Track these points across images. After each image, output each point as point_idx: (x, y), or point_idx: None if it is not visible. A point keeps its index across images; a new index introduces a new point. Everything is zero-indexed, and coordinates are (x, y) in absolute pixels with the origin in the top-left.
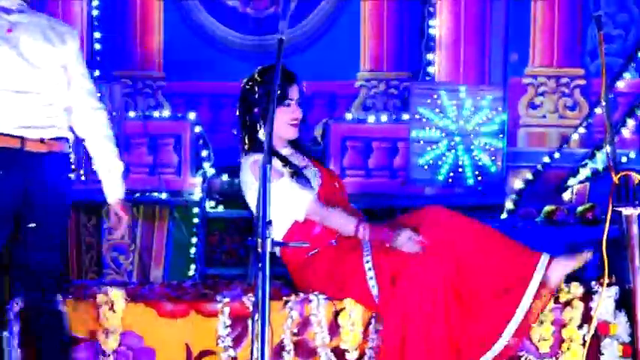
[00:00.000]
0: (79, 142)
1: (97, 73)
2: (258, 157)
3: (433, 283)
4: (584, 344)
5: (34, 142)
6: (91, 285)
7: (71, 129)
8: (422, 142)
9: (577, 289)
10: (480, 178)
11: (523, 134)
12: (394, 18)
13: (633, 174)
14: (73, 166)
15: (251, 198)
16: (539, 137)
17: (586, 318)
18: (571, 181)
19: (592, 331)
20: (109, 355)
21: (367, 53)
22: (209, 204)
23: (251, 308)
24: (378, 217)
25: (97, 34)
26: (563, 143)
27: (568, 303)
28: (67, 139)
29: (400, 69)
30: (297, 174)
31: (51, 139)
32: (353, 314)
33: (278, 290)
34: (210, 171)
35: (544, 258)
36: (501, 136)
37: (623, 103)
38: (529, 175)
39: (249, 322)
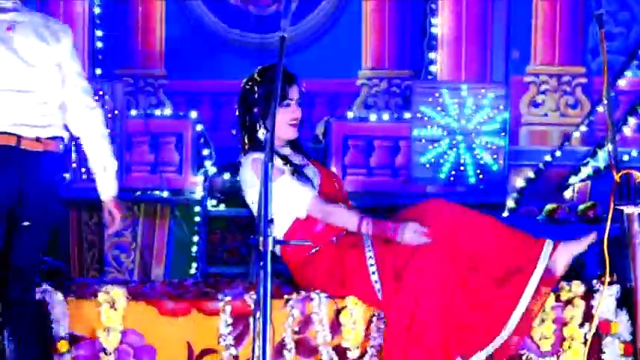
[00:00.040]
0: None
1: (98, 71)
2: (259, 155)
3: (439, 275)
4: (585, 343)
5: (30, 140)
6: (93, 283)
7: (66, 127)
8: (423, 140)
9: (578, 287)
10: (481, 176)
11: (525, 132)
12: (396, 16)
13: (635, 172)
14: (74, 164)
15: (251, 197)
16: (541, 135)
17: (587, 316)
18: (572, 180)
19: (593, 330)
20: (110, 354)
21: (369, 51)
22: (210, 202)
23: (252, 306)
24: (380, 215)
25: (98, 33)
26: (565, 141)
27: (569, 301)
28: (62, 139)
29: (402, 67)
30: (298, 172)
31: (47, 138)
32: (354, 312)
33: (279, 288)
34: (212, 169)
35: (549, 242)
36: (503, 134)
37: (625, 101)
38: (530, 174)
39: (251, 320)
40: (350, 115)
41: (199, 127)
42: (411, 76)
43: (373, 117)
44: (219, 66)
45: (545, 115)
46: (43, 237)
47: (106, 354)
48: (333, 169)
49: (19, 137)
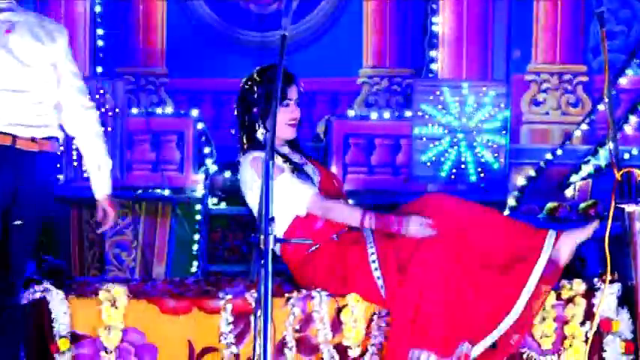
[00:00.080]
0: None
1: (99, 69)
2: (258, 154)
3: (444, 267)
4: (586, 341)
5: (25, 140)
6: (94, 282)
7: (61, 127)
8: (424, 138)
9: (579, 285)
10: (482, 174)
11: (526, 131)
12: (397, 15)
13: (636, 170)
14: (75, 162)
15: (251, 197)
16: (542, 134)
17: (588, 315)
18: (573, 178)
19: (594, 328)
20: (110, 352)
21: (370, 50)
22: (211, 201)
23: (253, 305)
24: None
25: (99, 31)
26: (566, 140)
27: (570, 300)
28: (57, 139)
29: (403, 66)
30: (298, 170)
31: (42, 138)
32: (355, 311)
33: (280, 287)
34: (213, 168)
35: (552, 232)
36: (504, 132)
37: (626, 99)
38: (531, 172)
39: (252, 318)
40: (351, 113)
41: (200, 126)
42: (412, 75)
43: (374, 115)
44: (220, 64)
45: (547, 113)
46: (33, 237)
47: (107, 352)
48: (334, 167)
49: (14, 137)
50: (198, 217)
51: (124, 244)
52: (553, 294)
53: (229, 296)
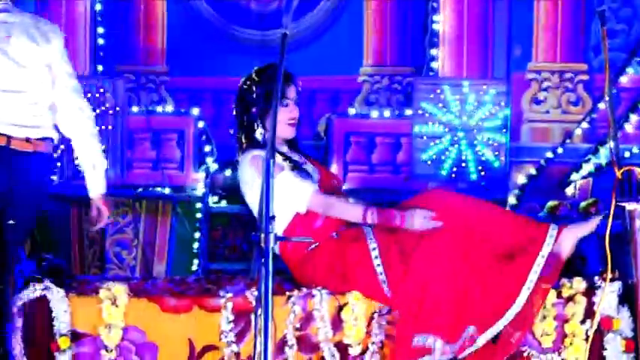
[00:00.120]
0: None
1: (100, 68)
2: (258, 152)
3: (449, 259)
4: (586, 339)
5: (20, 140)
6: (94, 280)
7: (56, 127)
8: (425, 137)
9: (580, 284)
10: (483, 173)
11: (526, 129)
12: (397, 13)
13: (636, 169)
14: (75, 161)
15: (250, 195)
16: (543, 132)
17: (589, 313)
18: (574, 176)
19: (595, 326)
20: (111, 350)
21: (370, 48)
22: (212, 199)
23: (254, 303)
24: None
25: (100, 29)
26: (566, 138)
27: (571, 298)
28: (52, 140)
29: (403, 64)
30: (298, 167)
31: (37, 138)
32: (356, 309)
33: (281, 285)
34: (213, 166)
35: (553, 226)
36: (504, 131)
37: (627, 98)
38: (532, 171)
39: (252, 317)
40: (351, 112)
41: (201, 124)
42: (413, 73)
43: (375, 114)
44: (220, 63)
45: (547, 112)
46: (25, 236)
47: (107, 351)
48: (335, 166)
49: (9, 137)
50: (198, 215)
51: (124, 243)
52: (553, 292)
53: (230, 295)
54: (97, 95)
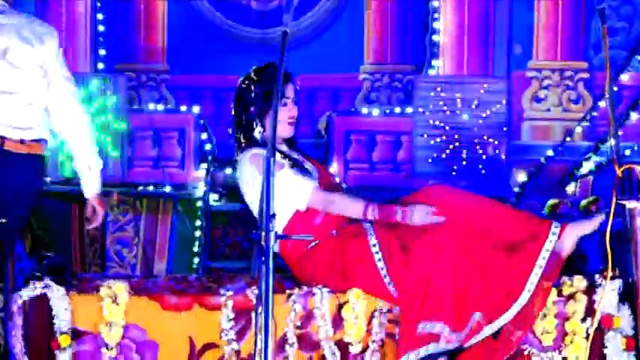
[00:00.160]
0: None
1: (101, 66)
2: (257, 150)
3: (452, 248)
4: (587, 337)
5: (14, 142)
6: (95, 278)
7: (51, 129)
8: (425, 135)
9: (580, 282)
10: (483, 171)
11: (527, 127)
12: (398, 11)
13: (637, 167)
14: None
15: (249, 194)
16: (543, 130)
17: (589, 311)
18: (575, 175)
19: (595, 325)
20: (112, 348)
21: (371, 46)
22: (212, 197)
23: (254, 301)
24: None
25: (101, 27)
26: (567, 136)
27: (571, 296)
28: (45, 141)
29: (404, 62)
30: (297, 165)
31: (31, 140)
32: (357, 307)
33: (281, 283)
34: (214, 164)
35: (556, 222)
36: (505, 129)
37: (627, 96)
38: (533, 169)
39: (253, 315)
40: (352, 110)
41: (201, 122)
42: (413, 71)
43: (375, 112)
44: (221, 61)
45: (548, 110)
46: (14, 236)
47: (107, 349)
48: (335, 164)
49: (2, 138)
50: (199, 213)
51: (125, 241)
52: (554, 290)
53: (230, 293)
54: (98, 93)
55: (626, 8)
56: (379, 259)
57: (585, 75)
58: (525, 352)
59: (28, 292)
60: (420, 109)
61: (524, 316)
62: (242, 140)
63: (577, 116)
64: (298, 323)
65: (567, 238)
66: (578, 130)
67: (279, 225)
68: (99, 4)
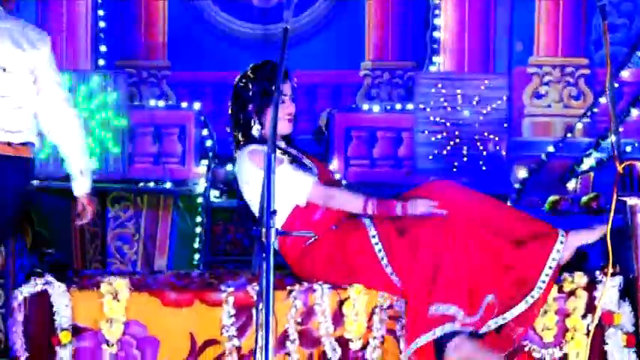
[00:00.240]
0: None
1: (102, 62)
2: (256, 146)
3: (462, 234)
4: (588, 334)
5: (2, 145)
6: (95, 274)
7: (40, 133)
8: (426, 131)
9: (581, 278)
10: (484, 167)
11: (527, 124)
12: (399, 8)
13: (637, 163)
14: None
15: (248, 190)
16: (544, 127)
17: (590, 308)
18: (575, 171)
19: (596, 321)
20: (112, 345)
21: (372, 43)
22: (213, 193)
23: (255, 298)
24: None
25: (101, 24)
26: (568, 133)
27: (572, 292)
28: (33, 144)
29: (404, 58)
30: (297, 161)
31: (19, 143)
32: (357, 304)
33: (282, 280)
34: (215, 161)
35: (562, 236)
36: (506, 125)
37: (628, 92)
38: (533, 165)
39: (254, 311)
40: (353, 106)
41: (202, 119)
42: (414, 67)
43: (376, 108)
44: (222, 57)
45: (548, 106)
46: (2, 238)
47: (108, 345)
48: (336, 160)
49: None
50: (199, 209)
51: (125, 237)
52: (555, 287)
53: (231, 289)
54: (99, 90)
55: (627, 5)
56: (379, 250)
57: (586, 71)
58: (526, 349)
59: (29, 289)
60: (421, 106)
61: (526, 313)
62: (240, 138)
63: (578, 112)
64: (299, 319)
65: (569, 248)
66: (579, 126)
67: (278, 221)
68: (100, 1)
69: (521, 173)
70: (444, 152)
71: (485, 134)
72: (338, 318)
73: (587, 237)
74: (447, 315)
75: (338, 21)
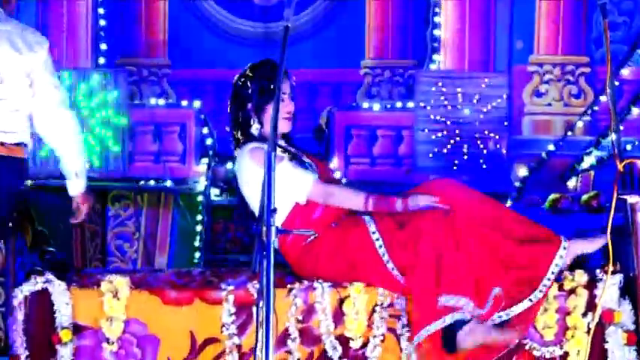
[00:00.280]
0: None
1: (102, 60)
2: (256, 144)
3: (463, 225)
4: (588, 332)
5: None
6: (96, 273)
7: (35, 134)
8: (426, 130)
9: (581, 276)
10: (484, 166)
11: (528, 122)
12: (399, 6)
13: (638, 162)
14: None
15: (248, 188)
16: (544, 125)
17: (590, 306)
18: (576, 169)
19: (596, 319)
20: (112, 343)
21: (372, 41)
22: (213, 192)
23: (255, 296)
24: None
25: (102, 22)
26: (568, 131)
27: (572, 291)
28: (26, 145)
29: (405, 57)
30: (297, 159)
31: (12, 143)
32: (357, 302)
33: (282, 278)
34: (215, 159)
35: (563, 248)
36: (506, 124)
37: (628, 90)
38: (534, 163)
39: (254, 309)
40: (353, 104)
41: (202, 117)
42: (414, 66)
43: (376, 106)
44: (222, 56)
45: (549, 104)
46: None
47: (109, 343)
48: (336, 159)
49: None
50: (200, 208)
51: (126, 236)
52: (555, 285)
53: (231, 287)
54: (99, 88)
55: (627, 3)
56: (380, 246)
57: (586, 69)
58: (527, 347)
59: (29, 287)
60: (421, 104)
61: (526, 312)
62: (239, 137)
63: (578, 111)
64: (299, 318)
65: (569, 255)
66: (580, 124)
67: (278, 219)
68: None
69: (522, 171)
70: (445, 150)
71: (486, 132)
72: (338, 316)
73: (588, 246)
74: (457, 306)
75: (338, 19)
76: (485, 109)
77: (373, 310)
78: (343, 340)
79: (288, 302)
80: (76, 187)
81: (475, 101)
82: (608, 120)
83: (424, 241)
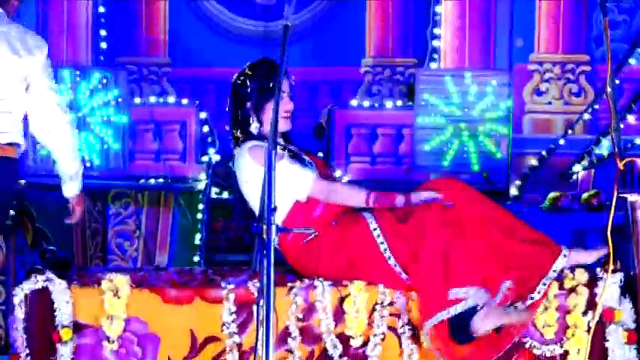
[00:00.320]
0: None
1: (102, 59)
2: (256, 142)
3: (467, 218)
4: (588, 330)
5: None
6: (96, 271)
7: (26, 135)
8: (427, 128)
9: (582, 275)
10: (484, 165)
11: (528, 120)
12: (400, 4)
13: (638, 160)
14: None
15: (247, 187)
16: (545, 123)
17: (591, 304)
18: (576, 168)
19: (597, 318)
20: (113, 342)
21: (372, 39)
22: (214, 190)
23: (256, 294)
24: None
25: (102, 20)
26: (568, 129)
27: (573, 289)
28: (19, 145)
29: (405, 55)
30: (296, 156)
31: (5, 144)
32: (358, 301)
33: (283, 276)
34: (215, 157)
35: (562, 258)
36: (506, 122)
37: (629, 89)
38: (534, 162)
39: (255, 308)
40: (353, 103)
41: (203, 115)
42: (415, 64)
43: (377, 105)
44: (223, 54)
45: (549, 103)
46: None
47: (109, 342)
48: (336, 157)
49: None
50: (200, 206)
51: (126, 234)
52: (555, 283)
53: (232, 286)
54: (99, 87)
55: (628, 1)
56: (381, 242)
57: (587, 68)
58: (527, 345)
59: (30, 286)
60: (422, 103)
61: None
62: (239, 135)
63: (578, 109)
64: (300, 316)
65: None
66: (580, 123)
67: (278, 217)
68: None
69: (522, 170)
70: (445, 149)
71: (486, 131)
72: (339, 315)
73: (586, 258)
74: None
75: (339, 18)
76: (485, 108)
77: (374, 309)
78: (344, 339)
79: (289, 301)
80: (70, 189)
81: (475, 99)
82: (609, 119)
83: (429, 234)
